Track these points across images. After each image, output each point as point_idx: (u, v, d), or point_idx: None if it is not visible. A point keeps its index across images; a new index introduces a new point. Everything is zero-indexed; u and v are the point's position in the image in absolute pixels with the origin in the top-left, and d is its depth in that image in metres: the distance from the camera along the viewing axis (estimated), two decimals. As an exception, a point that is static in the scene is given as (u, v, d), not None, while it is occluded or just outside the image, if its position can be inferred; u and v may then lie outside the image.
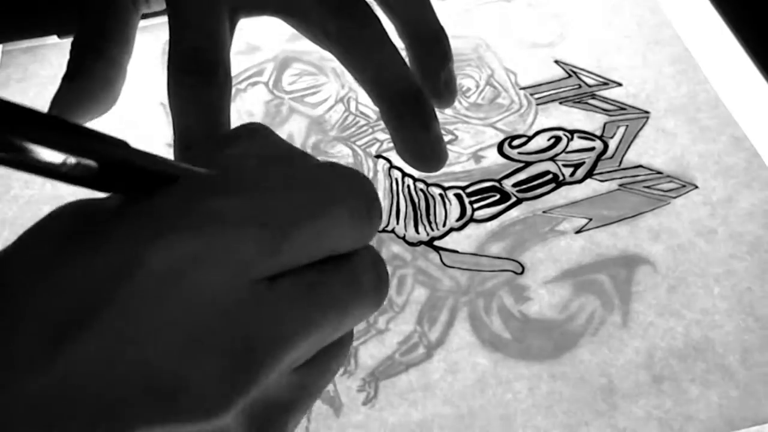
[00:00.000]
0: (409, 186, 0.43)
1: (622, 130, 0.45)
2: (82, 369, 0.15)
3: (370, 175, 0.44)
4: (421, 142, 0.26)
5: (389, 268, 0.40)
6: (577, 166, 0.44)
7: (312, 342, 0.18)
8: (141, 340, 0.16)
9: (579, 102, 0.47)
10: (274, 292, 0.17)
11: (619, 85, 0.48)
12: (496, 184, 0.43)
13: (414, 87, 0.26)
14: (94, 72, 0.27)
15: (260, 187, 0.18)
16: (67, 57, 0.28)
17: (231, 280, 0.16)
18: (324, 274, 0.19)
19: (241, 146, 0.21)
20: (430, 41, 0.28)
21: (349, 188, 0.19)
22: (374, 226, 0.20)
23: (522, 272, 0.40)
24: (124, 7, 0.28)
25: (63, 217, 0.17)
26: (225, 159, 0.20)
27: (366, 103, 0.48)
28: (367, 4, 0.27)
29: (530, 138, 0.45)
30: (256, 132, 0.22)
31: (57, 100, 0.27)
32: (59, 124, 0.16)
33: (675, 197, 0.42)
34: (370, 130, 0.46)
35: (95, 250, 0.16)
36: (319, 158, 0.45)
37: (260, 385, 0.17)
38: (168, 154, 0.53)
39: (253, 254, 0.17)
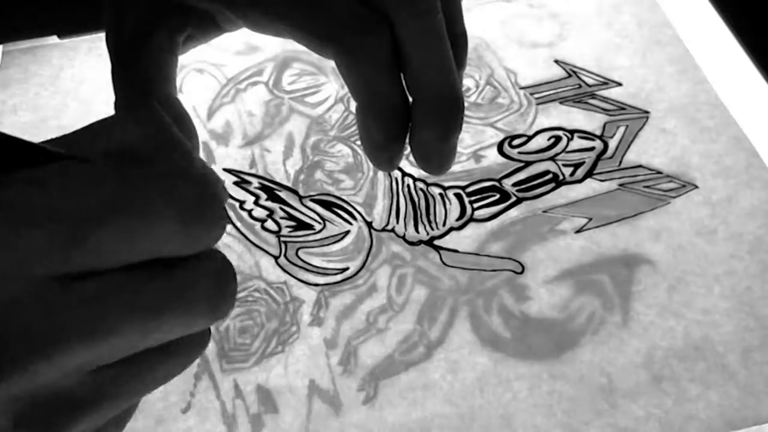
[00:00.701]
0: (409, 185, 0.43)
1: (622, 129, 0.45)
2: None
3: (370, 174, 0.44)
4: (433, 149, 0.26)
5: (388, 268, 0.40)
6: (577, 166, 0.44)
7: (110, 346, 0.17)
8: None
9: (579, 102, 0.47)
10: (69, 291, 0.17)
11: (619, 84, 0.48)
12: (496, 183, 0.43)
13: (452, 96, 0.25)
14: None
15: (67, 178, 0.17)
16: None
17: (12, 274, 0.16)
18: (138, 278, 0.18)
19: (115, 134, 0.20)
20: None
21: (176, 184, 0.18)
22: (211, 231, 0.19)
23: (522, 272, 0.40)
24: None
25: None
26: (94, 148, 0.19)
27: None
28: None
29: (530, 138, 0.45)
30: (147, 122, 0.21)
31: None
32: None
33: (675, 197, 0.42)
34: (370, 130, 0.46)
35: None
36: (316, 159, 0.45)
37: (26, 378, 0.17)
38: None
39: (41, 252, 0.16)
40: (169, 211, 0.18)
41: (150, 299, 0.18)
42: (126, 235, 0.17)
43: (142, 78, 0.26)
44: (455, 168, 0.44)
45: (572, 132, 0.45)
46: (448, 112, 0.25)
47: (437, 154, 0.26)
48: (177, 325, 0.19)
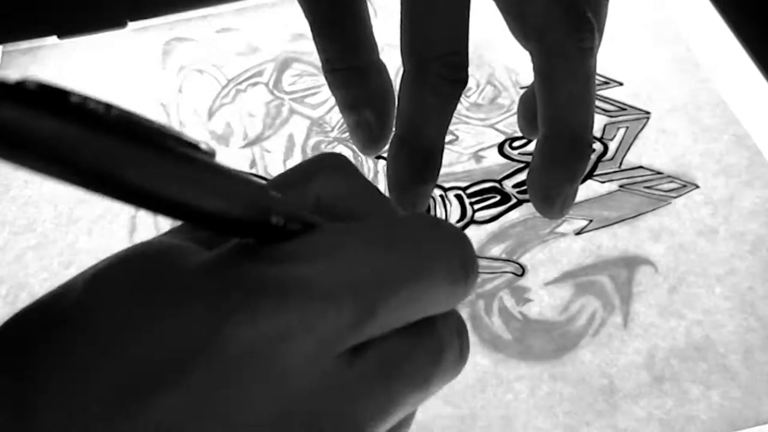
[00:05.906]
0: (409, 186, 0.43)
1: (622, 131, 0.45)
2: None
3: (371, 176, 0.44)
4: (558, 192, 0.25)
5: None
6: (577, 166, 0.44)
7: (392, 420, 0.17)
8: (216, 418, 0.15)
9: (579, 102, 0.47)
10: (357, 367, 0.16)
11: (620, 84, 0.48)
12: (497, 184, 0.43)
13: (587, 140, 0.25)
14: (369, 95, 0.26)
15: (348, 247, 0.16)
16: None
17: (315, 357, 0.15)
18: (409, 346, 0.17)
19: (321, 183, 0.19)
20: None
21: (445, 246, 0.17)
22: (470, 289, 0.18)
23: (522, 274, 0.40)
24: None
25: (136, 262, 0.16)
26: (307, 198, 0.19)
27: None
28: (588, 20, 0.24)
29: (531, 139, 0.45)
30: (340, 169, 0.20)
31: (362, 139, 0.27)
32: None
33: (676, 197, 0.42)
34: (371, 131, 0.46)
35: (176, 314, 0.15)
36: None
37: None
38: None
39: (340, 329, 0.15)
40: (442, 273, 0.17)
41: (423, 368, 0.17)
42: (411, 301, 0.17)
43: (346, 44, 0.26)
44: (456, 168, 0.44)
45: (573, 132, 0.45)
46: (578, 158, 0.25)
47: (563, 197, 0.25)
48: (435, 390, 0.18)
